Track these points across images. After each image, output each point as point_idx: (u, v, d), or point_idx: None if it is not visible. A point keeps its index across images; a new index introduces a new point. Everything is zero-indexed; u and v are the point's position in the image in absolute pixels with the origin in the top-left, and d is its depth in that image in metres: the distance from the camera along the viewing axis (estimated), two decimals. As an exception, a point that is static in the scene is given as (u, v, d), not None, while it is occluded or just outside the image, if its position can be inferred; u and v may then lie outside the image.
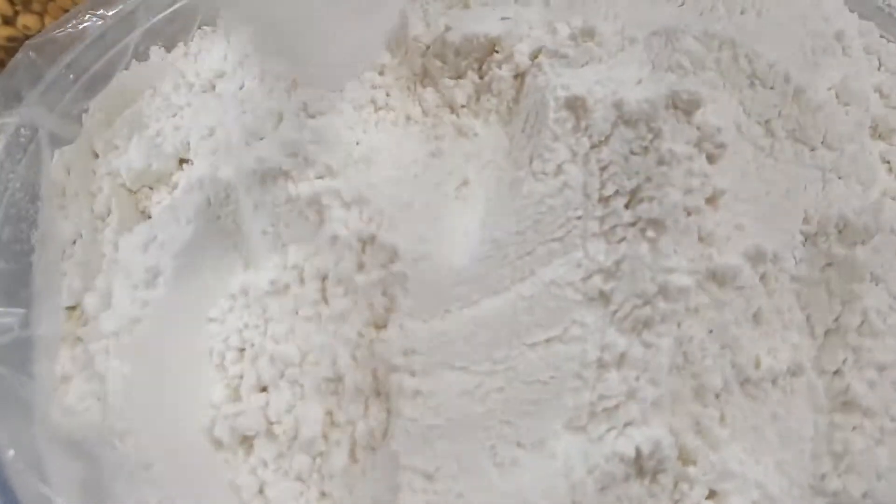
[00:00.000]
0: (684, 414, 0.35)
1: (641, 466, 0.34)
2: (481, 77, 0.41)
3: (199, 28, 0.55)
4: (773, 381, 0.36)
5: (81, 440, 0.39)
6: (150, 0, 0.54)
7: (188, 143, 0.46)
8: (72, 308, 0.44)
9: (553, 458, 0.35)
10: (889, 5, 0.54)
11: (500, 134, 0.40)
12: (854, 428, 0.37)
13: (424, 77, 0.42)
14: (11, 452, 0.35)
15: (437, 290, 0.36)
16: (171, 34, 0.54)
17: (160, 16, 0.54)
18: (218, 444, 0.38)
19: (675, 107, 0.36)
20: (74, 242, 0.47)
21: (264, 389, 0.38)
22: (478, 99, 0.41)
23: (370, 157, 0.39)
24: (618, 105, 0.36)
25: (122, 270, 0.42)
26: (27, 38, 0.51)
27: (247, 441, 0.38)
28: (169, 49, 0.54)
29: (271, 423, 0.38)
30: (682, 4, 0.45)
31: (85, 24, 0.53)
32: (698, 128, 0.37)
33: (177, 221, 0.41)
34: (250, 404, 0.38)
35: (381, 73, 0.42)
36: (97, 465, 0.37)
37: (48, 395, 0.41)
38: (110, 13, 0.54)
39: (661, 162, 0.36)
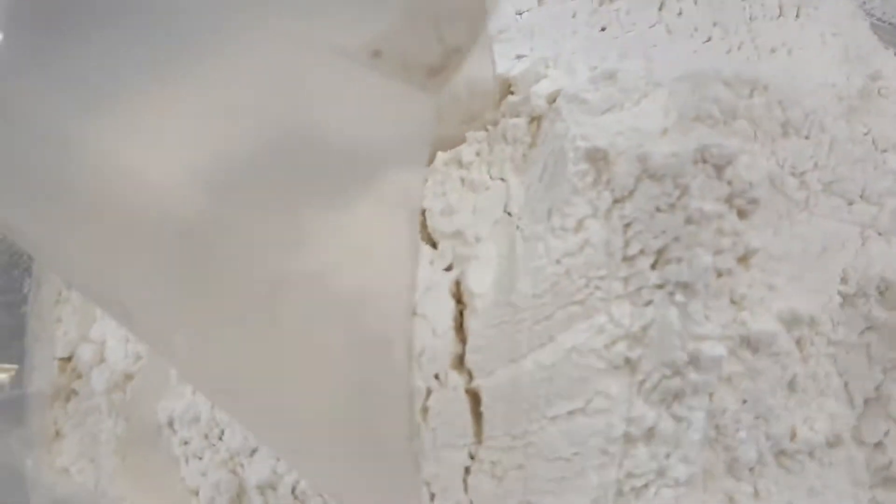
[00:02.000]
0: (717, 490, 0.33)
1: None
2: (494, 124, 0.39)
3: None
4: (810, 454, 0.34)
5: (74, 503, 0.37)
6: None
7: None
8: (67, 359, 0.42)
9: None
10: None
11: (514, 184, 0.37)
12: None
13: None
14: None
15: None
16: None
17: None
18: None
19: (705, 161, 0.34)
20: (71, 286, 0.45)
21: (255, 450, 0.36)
22: (491, 149, 0.38)
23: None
24: (642, 159, 0.34)
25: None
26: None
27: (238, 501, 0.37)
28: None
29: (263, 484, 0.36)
30: (709, 40, 0.43)
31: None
32: (729, 182, 0.34)
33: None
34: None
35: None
36: (90, 534, 0.35)
37: (41, 454, 0.39)
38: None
39: (689, 220, 0.34)
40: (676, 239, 0.34)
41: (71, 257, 0.30)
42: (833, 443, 0.34)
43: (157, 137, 0.28)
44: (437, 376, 0.35)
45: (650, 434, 0.33)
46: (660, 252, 0.34)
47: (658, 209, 0.34)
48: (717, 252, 0.34)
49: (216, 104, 0.29)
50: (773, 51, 0.41)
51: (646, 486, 0.32)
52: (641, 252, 0.34)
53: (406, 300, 0.28)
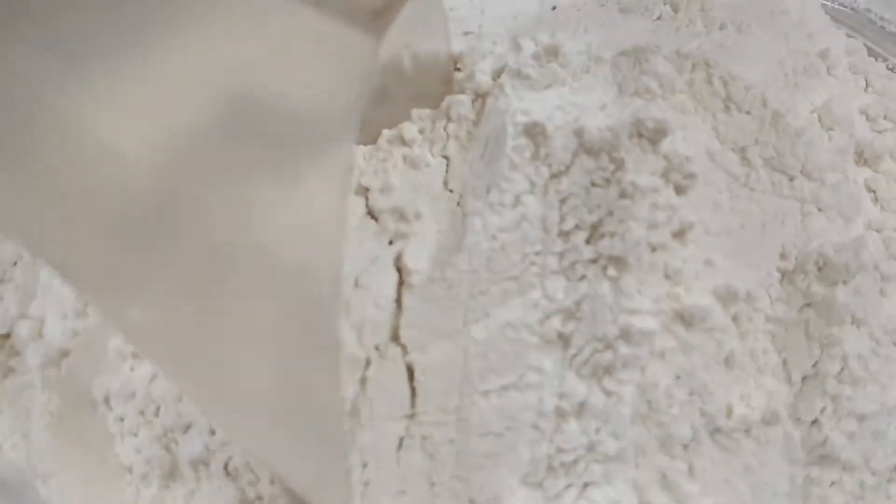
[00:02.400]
0: (649, 466, 0.33)
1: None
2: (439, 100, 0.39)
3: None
4: (746, 431, 0.34)
5: (5, 479, 0.37)
6: None
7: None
8: (5, 336, 0.42)
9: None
10: (882, 18, 0.52)
11: (457, 161, 0.37)
12: (832, 483, 0.34)
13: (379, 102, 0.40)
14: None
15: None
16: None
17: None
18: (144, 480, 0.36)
19: (640, 135, 0.34)
20: (15, 264, 0.44)
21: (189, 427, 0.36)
22: (434, 127, 0.38)
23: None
24: (578, 133, 0.34)
25: (54, 298, 0.40)
26: None
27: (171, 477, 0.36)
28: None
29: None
30: (658, 19, 0.42)
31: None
32: (665, 157, 0.34)
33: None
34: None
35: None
36: (22, 505, 0.35)
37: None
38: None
39: (623, 195, 0.33)
40: (610, 213, 0.33)
41: (27, 222, 0.30)
42: (770, 420, 0.34)
43: (112, 106, 0.28)
44: (377, 347, 0.34)
45: (581, 409, 0.32)
46: (594, 227, 0.34)
47: (593, 183, 0.34)
48: (652, 226, 0.33)
49: (168, 72, 0.29)
50: (721, 27, 0.41)
51: (575, 461, 0.32)
52: (577, 227, 0.34)
53: (342, 272, 0.28)
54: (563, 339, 0.33)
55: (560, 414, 0.33)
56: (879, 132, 0.41)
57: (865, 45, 0.48)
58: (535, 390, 0.33)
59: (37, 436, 0.38)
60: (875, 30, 0.50)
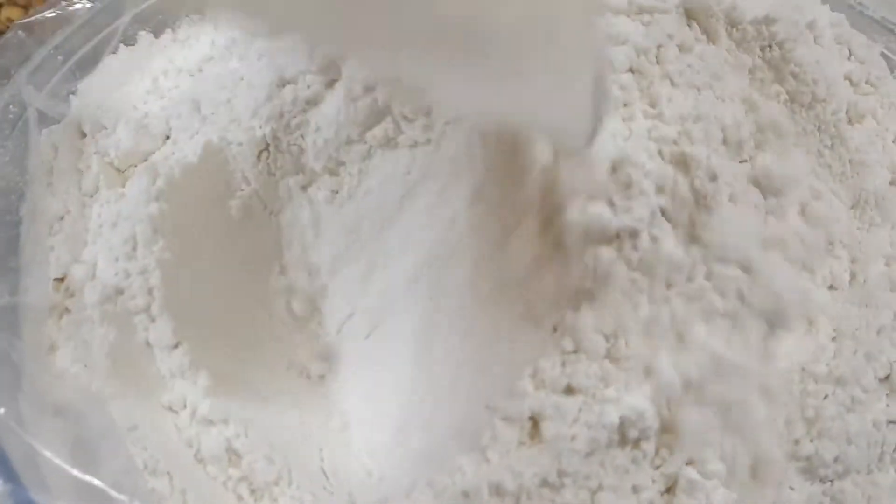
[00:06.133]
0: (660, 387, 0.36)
1: (624, 434, 0.35)
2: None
3: (187, 16, 0.55)
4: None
5: (69, 404, 0.39)
6: (138, -13, 0.55)
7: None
8: (60, 279, 0.44)
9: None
10: (860, 3, 0.56)
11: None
12: (826, 396, 0.38)
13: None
14: (2, 410, 0.35)
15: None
16: (160, 20, 0.55)
17: (149, 2, 0.55)
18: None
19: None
20: (62, 218, 0.47)
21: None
22: None
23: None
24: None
25: (105, 244, 0.43)
26: (12, 30, 0.52)
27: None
28: (157, 35, 0.54)
29: None
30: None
31: (74, 7, 0.54)
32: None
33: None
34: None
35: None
36: (85, 427, 0.37)
37: (36, 363, 0.41)
38: (99, -3, 0.55)
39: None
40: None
41: None
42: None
43: None
44: None
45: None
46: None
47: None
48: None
49: None
50: (718, 3, 0.45)
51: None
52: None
53: None
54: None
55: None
56: (863, 95, 0.46)
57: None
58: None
59: (98, 363, 0.40)
60: (854, 14, 0.54)
